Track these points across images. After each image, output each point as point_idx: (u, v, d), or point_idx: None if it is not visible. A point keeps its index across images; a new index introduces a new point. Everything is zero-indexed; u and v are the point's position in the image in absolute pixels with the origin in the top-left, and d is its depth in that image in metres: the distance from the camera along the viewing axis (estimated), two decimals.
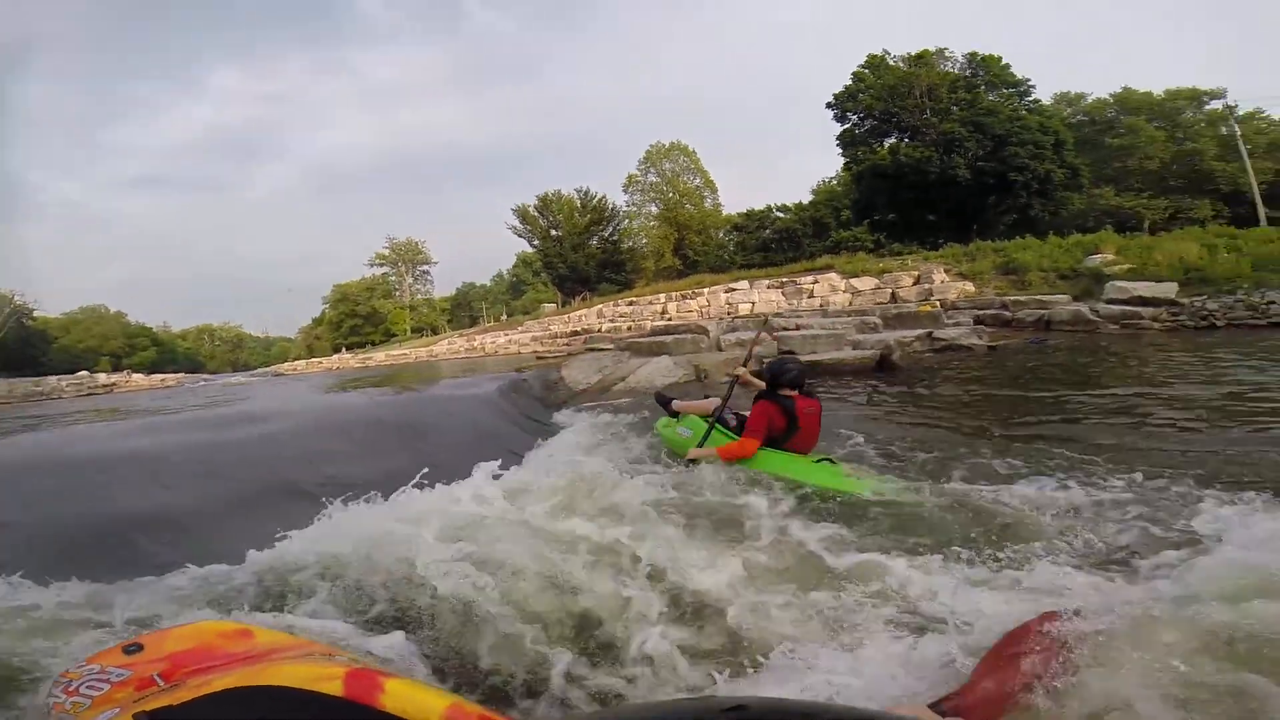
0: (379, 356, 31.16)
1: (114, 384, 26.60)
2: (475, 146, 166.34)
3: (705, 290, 22.84)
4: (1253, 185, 25.36)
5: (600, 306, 26.81)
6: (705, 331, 11.11)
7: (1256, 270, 13.10)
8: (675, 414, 4.38)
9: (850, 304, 17.83)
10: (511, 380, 8.99)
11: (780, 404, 3.38)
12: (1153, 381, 6.63)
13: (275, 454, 5.30)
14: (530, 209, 38.80)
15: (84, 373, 28.68)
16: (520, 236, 39.63)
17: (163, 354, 49.21)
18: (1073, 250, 16.44)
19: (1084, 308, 12.81)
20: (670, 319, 21.99)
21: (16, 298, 43.02)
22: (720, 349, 10.41)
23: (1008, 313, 13.76)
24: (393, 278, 50.69)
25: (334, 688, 0.99)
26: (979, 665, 1.38)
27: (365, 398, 11.86)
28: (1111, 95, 34.22)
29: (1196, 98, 32.32)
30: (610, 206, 39.20)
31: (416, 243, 50.91)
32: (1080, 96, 35.43)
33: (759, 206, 36.95)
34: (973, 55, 27.39)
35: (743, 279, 22.71)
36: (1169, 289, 12.73)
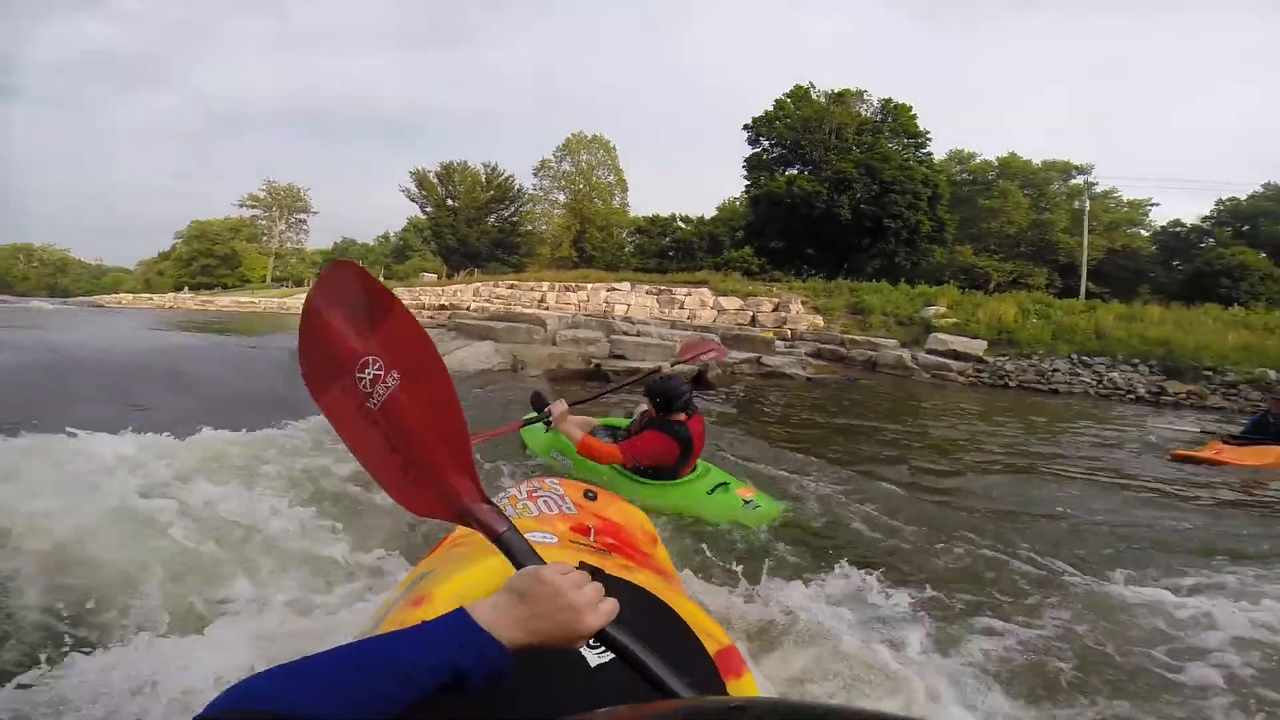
0: (223, 301, 28.09)
1: None
2: (387, 106, 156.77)
3: (589, 285, 22.60)
4: (1083, 259, 28.58)
5: (479, 285, 25.86)
6: (543, 324, 10.81)
7: (1055, 339, 14.61)
8: (547, 419, 3.54)
9: (714, 320, 18.20)
10: None
11: (675, 433, 3.05)
12: (910, 427, 7.14)
13: None
14: (430, 175, 36.86)
15: None
16: (413, 200, 37.59)
17: None
18: (915, 300, 17.67)
19: (906, 354, 13.74)
20: (548, 308, 21.51)
21: None
22: (555, 344, 10.10)
23: (844, 350, 14.51)
24: (263, 222, 46.24)
25: (712, 648, 0.98)
26: None
27: (151, 340, 10.82)
28: (997, 159, 37.26)
29: (1067, 171, 35.86)
30: (516, 187, 38.03)
31: (298, 189, 46.94)
32: (971, 155, 38.18)
33: (665, 213, 37.25)
34: (887, 101, 28.80)
35: (626, 280, 22.69)
36: (979, 346, 13.93)
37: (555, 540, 1.21)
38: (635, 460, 3.02)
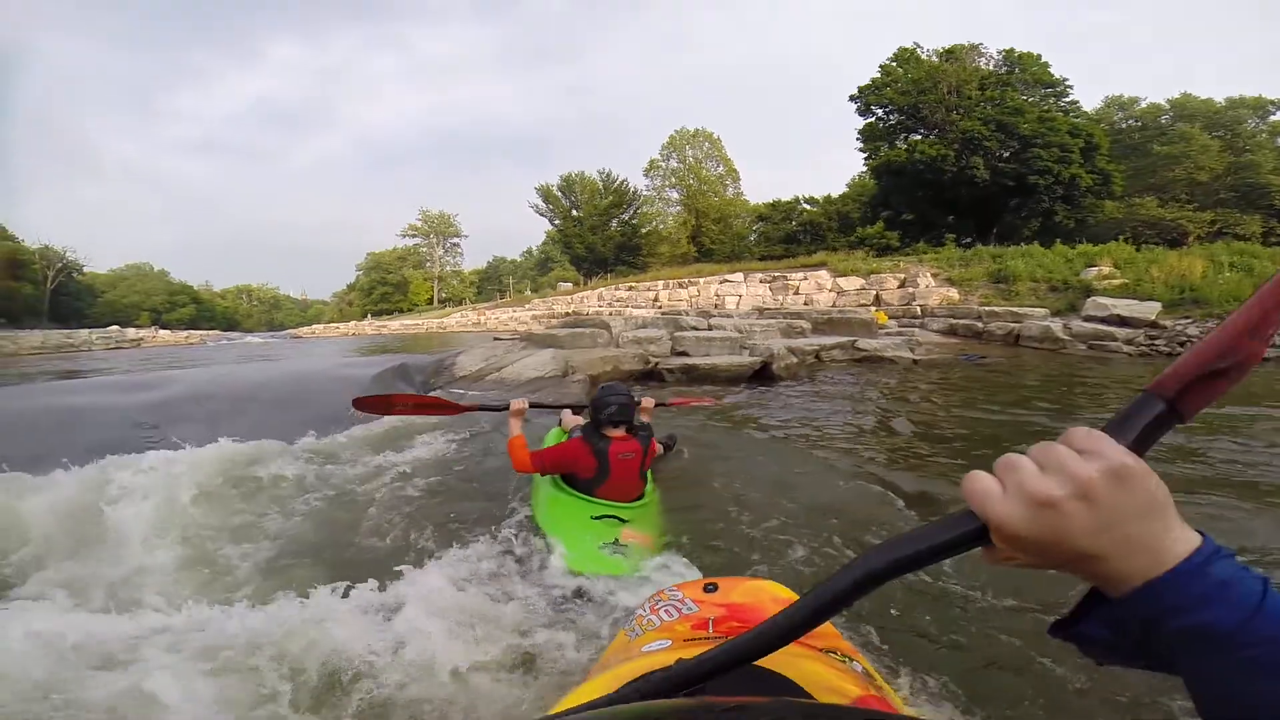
0: (394, 325, 32.12)
1: (141, 339, 27.58)
2: (514, 125, 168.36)
3: (701, 280, 22.68)
4: None
5: (601, 290, 26.89)
6: (607, 327, 11.11)
7: None
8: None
9: (834, 303, 17.38)
10: (399, 363, 9.34)
11: (592, 445, 2.76)
12: (1024, 420, 6.26)
13: (122, 416, 5.69)
14: (553, 189, 39.04)
15: (115, 327, 30.07)
16: (542, 215, 40.01)
17: (201, 311, 51.58)
18: (1074, 261, 15.55)
19: (1056, 324, 12.17)
20: (661, 307, 21.95)
21: (68, 253, 45.03)
22: (618, 345, 10.33)
23: (981, 324, 13.20)
24: (424, 249, 52.06)
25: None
26: None
27: (275, 368, 12.05)
28: (1168, 101, 32.08)
29: (1262, 107, 30.15)
30: (631, 190, 39.08)
31: (448, 216, 52.14)
32: (1134, 101, 33.30)
33: (787, 198, 36.12)
34: (1009, 52, 26.12)
35: (739, 270, 22.44)
36: (1151, 309, 11.94)
37: (669, 644, 1.18)
38: (542, 466, 2.80)
